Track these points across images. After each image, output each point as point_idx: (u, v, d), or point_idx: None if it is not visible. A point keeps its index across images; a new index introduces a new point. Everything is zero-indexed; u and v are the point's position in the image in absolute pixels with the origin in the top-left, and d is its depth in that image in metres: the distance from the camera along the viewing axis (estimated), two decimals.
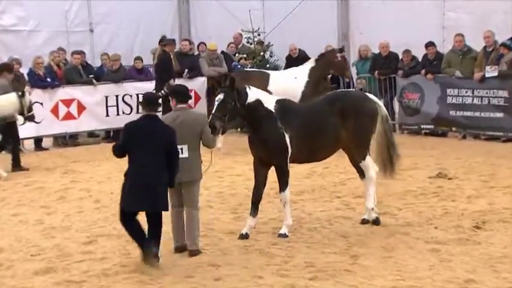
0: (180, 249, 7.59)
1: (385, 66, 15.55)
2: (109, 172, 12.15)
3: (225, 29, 17.29)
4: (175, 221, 7.63)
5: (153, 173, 6.98)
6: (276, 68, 16.40)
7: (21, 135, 14.40)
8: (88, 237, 8.24)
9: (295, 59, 16.86)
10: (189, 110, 7.91)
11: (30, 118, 12.56)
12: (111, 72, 16.16)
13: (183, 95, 7.82)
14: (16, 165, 12.69)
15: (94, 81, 15.68)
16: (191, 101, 13.71)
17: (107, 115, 15.75)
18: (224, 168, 12.05)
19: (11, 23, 17.20)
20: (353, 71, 16.60)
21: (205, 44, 17.73)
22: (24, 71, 15.00)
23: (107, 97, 15.78)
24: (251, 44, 16.33)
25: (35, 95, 14.41)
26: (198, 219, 7.65)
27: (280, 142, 7.94)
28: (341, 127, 8.14)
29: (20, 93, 12.28)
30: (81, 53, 16.27)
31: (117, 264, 7.24)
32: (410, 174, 11.16)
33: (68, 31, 17.96)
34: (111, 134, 16.08)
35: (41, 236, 8.45)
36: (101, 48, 17.94)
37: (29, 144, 14.99)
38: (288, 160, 8.03)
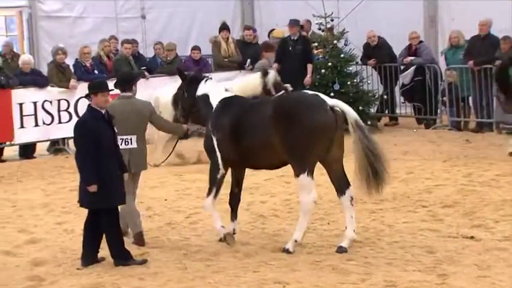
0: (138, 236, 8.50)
1: (483, 51, 15.18)
2: (162, 176, 12.30)
3: (293, 14, 17.25)
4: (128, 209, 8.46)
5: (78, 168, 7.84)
6: (352, 58, 16.29)
7: (65, 134, 14.80)
8: (139, 248, 8.37)
9: (374, 48, 16.78)
10: (134, 98, 8.62)
11: None
12: (165, 64, 16.36)
13: (127, 82, 8.56)
14: None
15: (146, 73, 15.86)
16: None
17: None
18: (291, 172, 12.03)
19: (55, 8, 17.55)
20: (442, 61, 16.40)
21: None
22: (69, 61, 15.32)
23: None
24: (323, 31, 16.27)
25: (81, 89, 14.74)
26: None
27: (208, 144, 8.45)
28: (273, 134, 7.89)
29: (263, 72, 12.81)
30: (133, 42, 16.43)
31: (172, 280, 7.32)
32: (508, 180, 10.96)
33: (118, 17, 18.23)
34: None
35: None
36: (154, 37, 18.15)
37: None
38: (218, 165, 8.30)
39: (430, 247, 8.03)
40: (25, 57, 15.11)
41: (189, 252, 8.17)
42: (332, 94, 15.21)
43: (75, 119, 13.99)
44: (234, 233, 8.55)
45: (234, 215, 8.66)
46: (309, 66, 15.58)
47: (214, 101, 8.51)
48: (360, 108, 15.75)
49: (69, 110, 14.89)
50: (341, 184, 8.13)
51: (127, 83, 8.60)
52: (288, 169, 11.93)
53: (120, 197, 7.88)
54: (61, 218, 10.00)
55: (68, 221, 9.80)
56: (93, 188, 7.59)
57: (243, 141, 8.09)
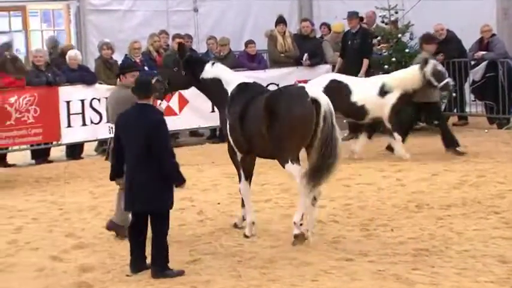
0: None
1: None
2: (215, 178, 12.39)
3: (354, 7, 17.22)
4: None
5: (136, 170, 7.74)
6: (417, 53, 16.14)
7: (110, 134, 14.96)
8: (191, 255, 8.42)
9: (442, 42, 16.58)
10: (119, 86, 9.16)
11: (444, 88, 13.33)
12: (218, 59, 16.40)
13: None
14: (450, 144, 13.41)
15: None
16: None
17: (213, 110, 15.75)
18: (351, 175, 12.02)
19: (104, 1, 17.75)
20: None
21: (328, 26, 17.76)
22: (119, 57, 15.48)
23: None
24: (387, 24, 16.16)
25: None
26: None
27: (224, 129, 9.11)
28: (263, 124, 8.44)
29: (422, 63, 13.10)
30: (185, 37, 16.53)
31: None
32: None
33: (169, 11, 18.38)
34: (217, 132, 16.35)
35: None
36: (207, 31, 18.25)
37: None
38: (233, 148, 8.96)
39: (503, 256, 7.91)
40: (72, 53, 15.12)
41: (243, 259, 8.19)
42: None
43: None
44: (243, 219, 9.21)
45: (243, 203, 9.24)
46: (364, 62, 15.50)
47: (230, 86, 9.04)
48: None
49: None
50: None
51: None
52: (347, 173, 11.99)
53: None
54: None
55: None
56: (185, 185, 7.88)
57: (245, 129, 8.70)
